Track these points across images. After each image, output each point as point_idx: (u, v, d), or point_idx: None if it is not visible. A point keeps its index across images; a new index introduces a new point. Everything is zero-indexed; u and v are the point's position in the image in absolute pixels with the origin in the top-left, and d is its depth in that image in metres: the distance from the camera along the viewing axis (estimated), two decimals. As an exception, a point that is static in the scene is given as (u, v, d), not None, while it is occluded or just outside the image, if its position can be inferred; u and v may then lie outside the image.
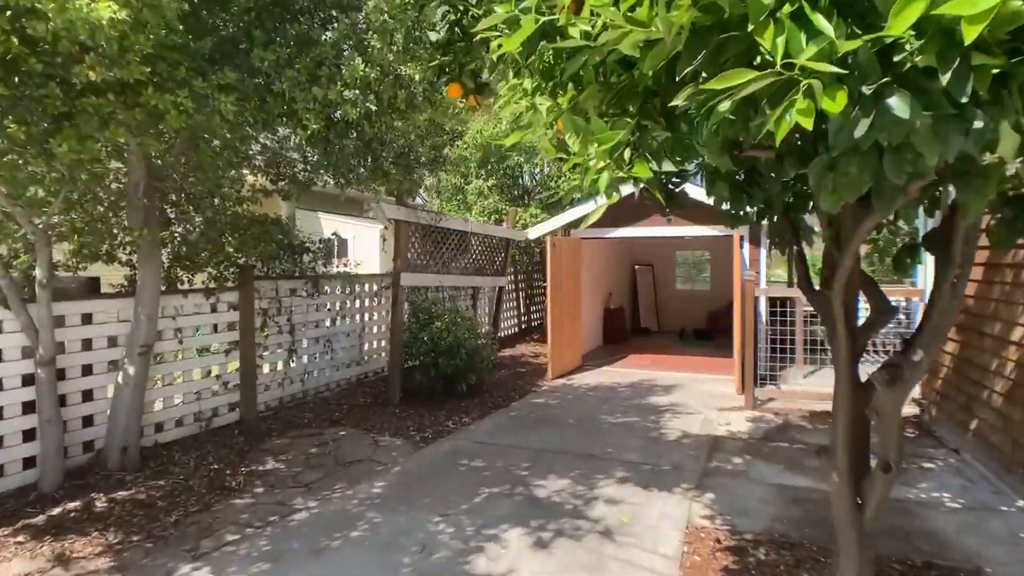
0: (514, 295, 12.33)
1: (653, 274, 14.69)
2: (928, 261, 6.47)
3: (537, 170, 11.57)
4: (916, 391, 6.38)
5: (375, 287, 8.14)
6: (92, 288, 5.17)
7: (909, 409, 6.43)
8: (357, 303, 7.81)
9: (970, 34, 1.14)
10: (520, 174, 11.99)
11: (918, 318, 6.36)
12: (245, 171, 5.73)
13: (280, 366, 6.64)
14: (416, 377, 6.97)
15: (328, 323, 7.30)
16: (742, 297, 7.70)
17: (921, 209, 2.66)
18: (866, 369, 2.68)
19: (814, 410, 6.68)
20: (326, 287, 7.22)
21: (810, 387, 7.01)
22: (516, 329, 12.36)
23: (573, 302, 9.38)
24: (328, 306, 7.28)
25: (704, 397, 7.54)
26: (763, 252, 8.39)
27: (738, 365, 7.64)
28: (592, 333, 11.52)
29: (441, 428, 6.17)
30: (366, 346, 8.05)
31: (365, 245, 14.92)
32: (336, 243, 15.19)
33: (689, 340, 12.53)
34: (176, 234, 5.67)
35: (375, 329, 8.24)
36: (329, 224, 12.06)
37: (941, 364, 5.74)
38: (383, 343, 8.26)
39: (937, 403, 5.80)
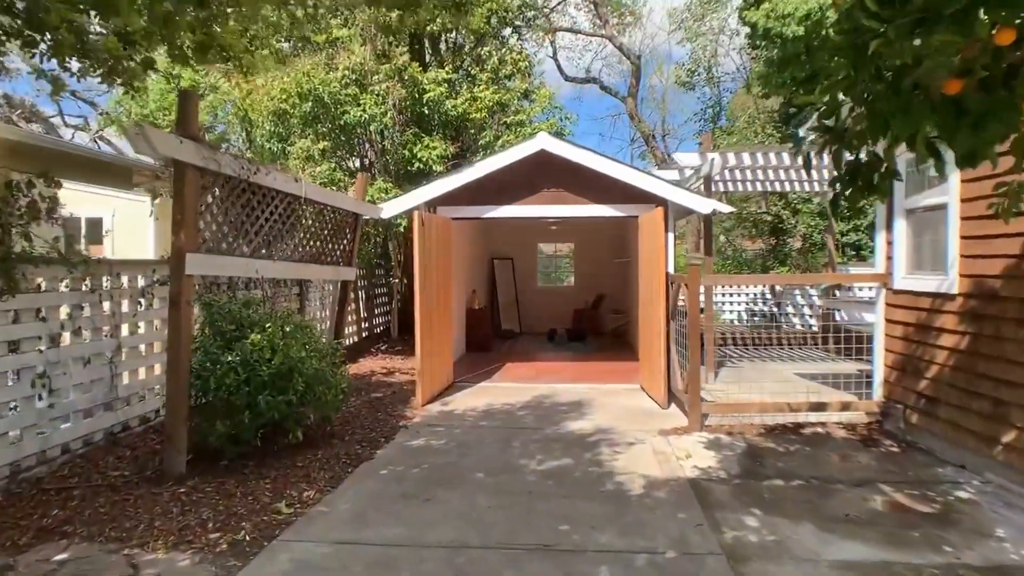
0: (352, 294, 9.68)
1: (513, 269, 13.02)
2: (881, 245, 5.56)
3: (386, 130, 9.04)
4: (876, 394, 5.39)
5: (142, 281, 5.07)
6: None
7: (857, 417, 5.42)
8: (107, 307, 4.71)
9: None
10: (361, 138, 9.35)
11: (880, 306, 5.36)
12: None
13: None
14: (216, 427, 4.19)
15: (44, 343, 4.14)
16: (668, 288, 6.22)
17: None
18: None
19: (767, 424, 5.38)
20: (40, 281, 4.09)
21: (740, 396, 5.72)
22: (357, 338, 9.72)
23: (443, 300, 7.17)
24: (42, 313, 4.13)
25: (627, 415, 5.89)
26: (671, 236, 7.04)
27: (662, 372, 6.13)
28: (456, 339, 9.39)
29: (267, 520, 3.55)
30: (126, 379, 4.95)
31: (131, 229, 10.93)
32: (84, 226, 10.95)
33: (563, 343, 11.04)
34: None
35: (143, 349, 5.16)
36: (75, 199, 8.19)
37: (927, 361, 4.71)
38: (157, 372, 5.22)
39: (921, 409, 4.77)
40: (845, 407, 5.35)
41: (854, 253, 14.51)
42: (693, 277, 5.28)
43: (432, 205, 7.37)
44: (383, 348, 9.79)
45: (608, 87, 24.01)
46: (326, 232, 6.22)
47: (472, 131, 9.54)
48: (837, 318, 9.62)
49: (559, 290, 13.10)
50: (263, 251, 5.19)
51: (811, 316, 10.46)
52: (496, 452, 4.79)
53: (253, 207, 5.00)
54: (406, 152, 8.80)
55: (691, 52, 22.88)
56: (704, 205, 6.84)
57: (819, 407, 5.35)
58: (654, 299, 6.42)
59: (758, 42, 12.28)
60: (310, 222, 5.92)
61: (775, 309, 10.42)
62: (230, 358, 4.21)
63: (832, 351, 8.96)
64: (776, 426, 5.34)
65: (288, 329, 4.70)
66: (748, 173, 8.67)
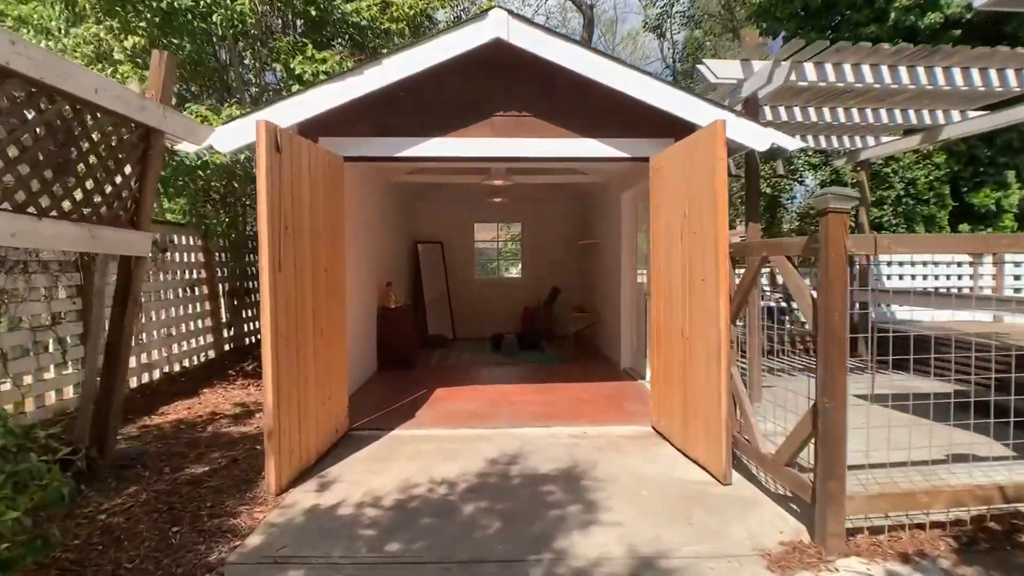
0: (204, 287, 6.40)
1: (443, 256, 10.05)
2: None
3: (244, 29, 5.78)
4: None
5: None
6: None
7: None
8: None
9: None
10: (207, 40, 6.01)
11: None
12: None
13: None
14: None
15: None
16: (729, 269, 3.54)
17: None
18: None
19: (950, 522, 2.79)
20: None
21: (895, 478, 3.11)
22: (212, 353, 6.45)
23: (327, 295, 4.16)
24: None
25: (668, 506, 3.14)
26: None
27: (720, 420, 3.41)
28: (361, 353, 6.33)
29: None
30: None
31: None
32: None
33: (513, 352, 8.20)
34: None
35: None
36: None
37: None
38: None
39: None
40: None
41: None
42: (835, 235, 2.54)
43: (309, 130, 4.32)
44: (252, 369, 6.57)
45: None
46: (64, 155, 3.03)
47: (384, 48, 6.52)
48: (873, 315, 7.42)
49: (504, 283, 10.29)
50: None
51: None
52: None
53: None
54: (278, 66, 5.63)
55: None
56: (760, 137, 4.23)
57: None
58: (692, 289, 3.73)
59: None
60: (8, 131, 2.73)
61: (783, 304, 8.12)
62: None
63: (866, 359, 6.70)
64: (977, 529, 2.75)
65: None
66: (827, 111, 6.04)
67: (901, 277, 8.11)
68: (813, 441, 2.69)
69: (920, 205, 9.46)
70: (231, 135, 4.07)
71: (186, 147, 4.17)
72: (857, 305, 7.37)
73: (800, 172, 10.98)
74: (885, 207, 9.60)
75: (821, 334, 2.59)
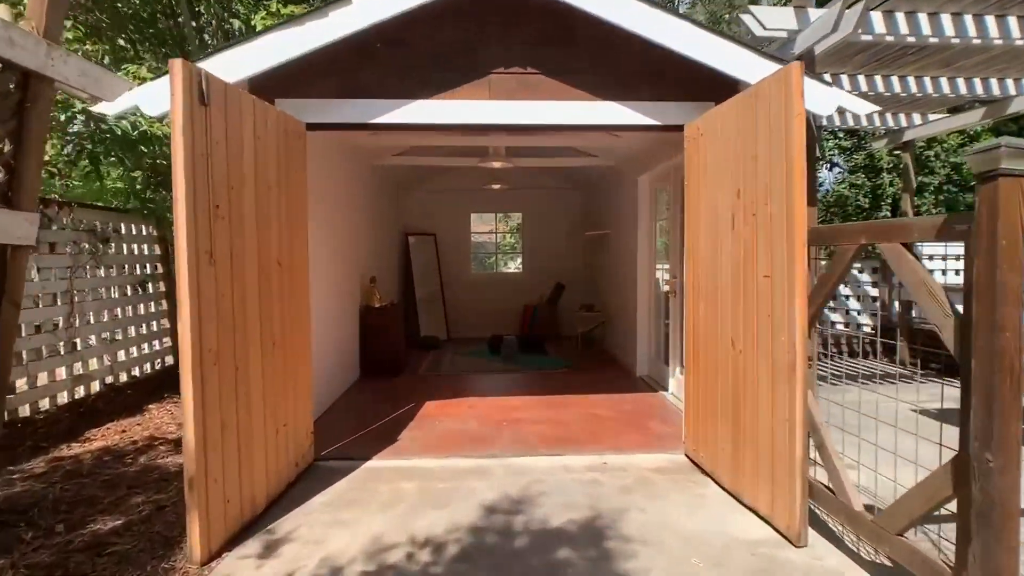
0: (161, 283, 5.55)
1: (437, 249, 9.19)
2: None
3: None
4: None
5: None
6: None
7: None
8: None
9: None
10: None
11: None
12: None
13: None
14: None
15: None
16: (809, 261, 2.71)
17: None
18: None
19: None
20: None
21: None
22: (159, 364, 5.59)
23: (289, 291, 3.31)
24: None
25: (730, 582, 2.32)
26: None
27: (794, 461, 2.58)
28: (339, 360, 5.48)
29: None
30: None
31: None
32: None
33: (513, 356, 7.35)
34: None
35: None
36: None
37: None
38: None
39: None
40: None
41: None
42: (1009, 208, 1.69)
43: (263, 89, 3.46)
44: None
45: None
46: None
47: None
48: (909, 314, 6.57)
49: (503, 279, 9.44)
50: None
51: (861, 312, 7.40)
52: None
53: None
54: (237, 22, 4.76)
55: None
56: (824, 99, 3.38)
57: None
58: (749, 288, 2.89)
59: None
60: None
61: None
62: None
63: (908, 364, 5.88)
64: None
65: None
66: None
67: None
68: (956, 512, 1.86)
69: (964, 193, 8.62)
70: (157, 94, 3.20)
71: (104, 109, 3.30)
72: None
73: (829, 155, 10.06)
74: (926, 195, 8.75)
75: (980, 360, 1.74)
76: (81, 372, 4.55)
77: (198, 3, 5.03)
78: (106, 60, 4.74)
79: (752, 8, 3.86)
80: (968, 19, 3.95)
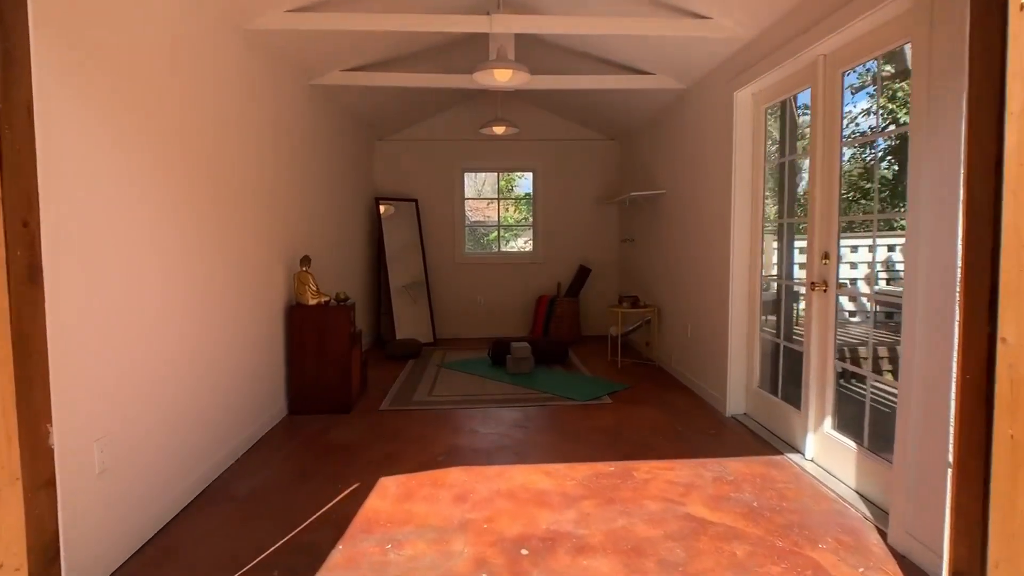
0: None
1: (419, 220, 6.87)
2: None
3: None
4: None
5: None
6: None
7: None
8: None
9: None
10: None
11: None
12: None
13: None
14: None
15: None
16: None
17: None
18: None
19: None
20: None
21: None
22: None
23: None
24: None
25: None
26: None
27: None
28: (241, 400, 3.18)
29: None
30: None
31: None
32: None
33: (524, 371, 5.03)
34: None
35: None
36: None
37: None
38: None
39: None
40: None
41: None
42: None
43: None
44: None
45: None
46: None
47: None
48: None
49: (507, 261, 7.14)
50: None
51: None
52: None
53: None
54: None
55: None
56: None
57: None
58: None
59: None
60: None
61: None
62: None
63: None
64: None
65: None
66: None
67: None
68: None
69: None
70: None
71: None
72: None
73: None
74: None
75: None
76: None
77: None
78: None
79: None
80: None
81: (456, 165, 6.91)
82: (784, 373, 3.46)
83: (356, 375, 4.18)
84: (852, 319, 6.53)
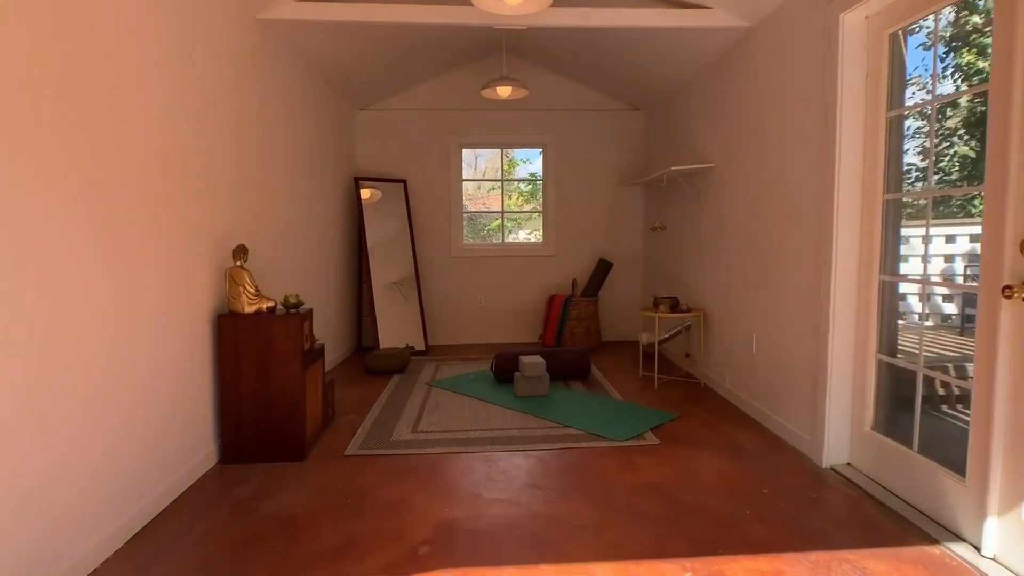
0: None
1: (408, 204, 5.80)
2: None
3: None
4: None
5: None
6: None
7: None
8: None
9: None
10: None
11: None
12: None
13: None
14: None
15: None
16: None
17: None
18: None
19: None
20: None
21: None
22: None
23: None
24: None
25: None
26: None
27: None
28: (137, 447, 2.11)
29: None
30: None
31: None
32: None
33: (537, 393, 3.98)
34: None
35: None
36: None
37: None
38: None
39: None
40: None
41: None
42: None
43: None
44: None
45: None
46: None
47: None
48: None
49: (513, 255, 6.07)
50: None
51: None
52: None
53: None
54: None
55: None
56: None
57: None
58: None
59: None
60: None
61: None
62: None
63: None
64: None
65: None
66: None
67: None
68: None
69: None
70: None
71: None
72: None
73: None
74: None
75: None
76: None
77: None
78: None
79: None
80: None
81: (452, 140, 5.83)
82: (920, 415, 2.40)
83: (315, 406, 3.12)
84: None
